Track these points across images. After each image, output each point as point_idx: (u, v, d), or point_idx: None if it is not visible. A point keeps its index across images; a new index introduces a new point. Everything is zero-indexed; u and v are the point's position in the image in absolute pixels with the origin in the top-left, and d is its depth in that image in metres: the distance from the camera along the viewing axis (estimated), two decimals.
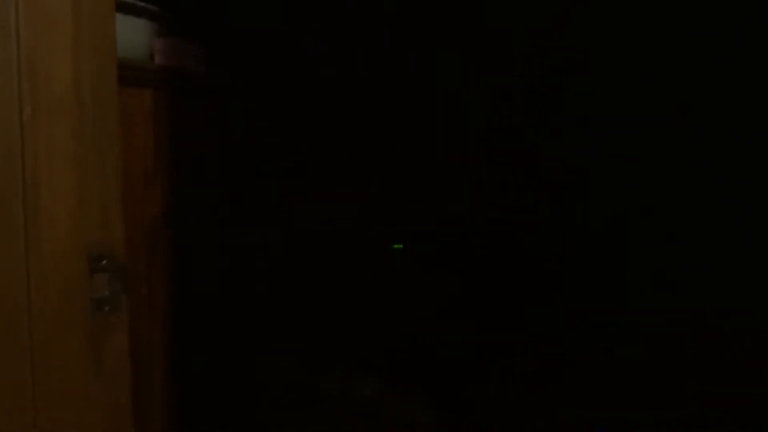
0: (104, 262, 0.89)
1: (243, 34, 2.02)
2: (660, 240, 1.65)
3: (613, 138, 1.71)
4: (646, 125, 1.66)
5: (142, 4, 1.60)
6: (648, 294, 1.66)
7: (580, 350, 1.72)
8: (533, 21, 1.83)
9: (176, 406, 1.60)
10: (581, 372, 1.67)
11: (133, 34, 1.59)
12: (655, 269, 1.66)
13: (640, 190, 1.69)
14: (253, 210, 1.93)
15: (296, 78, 2.08)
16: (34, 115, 0.82)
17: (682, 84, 1.60)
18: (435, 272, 2.02)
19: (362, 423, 1.86)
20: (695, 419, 1.45)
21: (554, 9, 1.79)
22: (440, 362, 1.95)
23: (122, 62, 1.51)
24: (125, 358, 0.89)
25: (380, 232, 2.09)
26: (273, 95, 2.03)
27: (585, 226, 1.79)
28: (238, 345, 1.87)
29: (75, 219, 0.85)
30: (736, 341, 1.46)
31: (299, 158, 2.12)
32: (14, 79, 0.81)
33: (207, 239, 1.74)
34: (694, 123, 1.58)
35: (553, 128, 1.84)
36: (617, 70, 1.71)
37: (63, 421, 0.83)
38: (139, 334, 1.55)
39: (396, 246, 2.08)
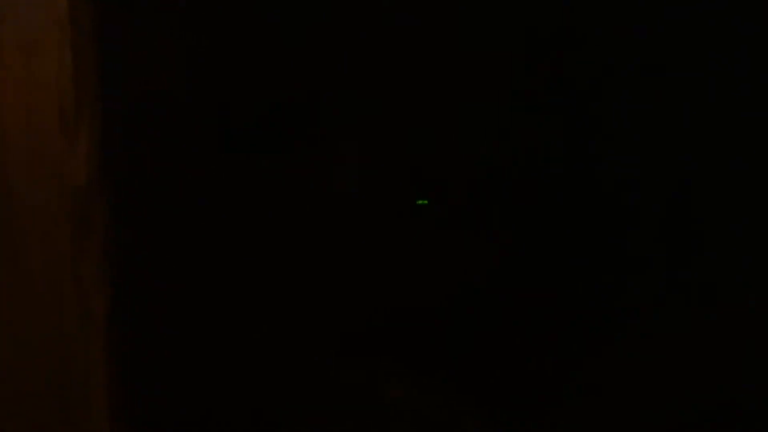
0: None
1: None
2: (667, 240, 1.65)
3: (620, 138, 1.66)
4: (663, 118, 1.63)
5: None
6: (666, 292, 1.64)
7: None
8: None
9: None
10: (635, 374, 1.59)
11: None
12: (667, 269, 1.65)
13: (654, 191, 1.66)
14: (247, 167, 1.50)
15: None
16: None
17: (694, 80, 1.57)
18: (469, 240, 1.76)
19: (388, 425, 1.62)
20: (697, 419, 1.49)
21: None
22: (483, 354, 1.66)
23: None
24: None
25: (403, 193, 1.81)
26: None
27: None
28: (235, 337, 1.44)
29: None
30: (738, 341, 1.52)
31: (311, 103, 1.74)
32: None
33: (173, 208, 1.31)
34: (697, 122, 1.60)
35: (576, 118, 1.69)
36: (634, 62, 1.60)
37: None
38: (72, 349, 1.14)
39: (420, 201, 1.88)
